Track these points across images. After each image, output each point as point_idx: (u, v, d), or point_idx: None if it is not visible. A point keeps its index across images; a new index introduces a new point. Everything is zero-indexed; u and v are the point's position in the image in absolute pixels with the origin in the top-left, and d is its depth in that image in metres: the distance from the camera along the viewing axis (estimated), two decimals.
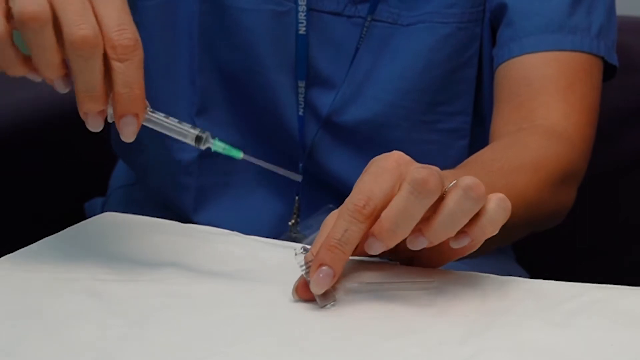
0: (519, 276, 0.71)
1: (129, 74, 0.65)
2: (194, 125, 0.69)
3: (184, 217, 1.07)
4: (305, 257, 0.66)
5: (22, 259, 0.72)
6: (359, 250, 0.68)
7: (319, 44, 0.98)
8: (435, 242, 0.65)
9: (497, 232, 0.66)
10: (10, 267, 0.70)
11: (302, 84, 0.99)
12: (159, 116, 0.69)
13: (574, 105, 0.94)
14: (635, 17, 1.26)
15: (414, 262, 0.70)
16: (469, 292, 0.67)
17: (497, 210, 0.65)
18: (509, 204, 0.65)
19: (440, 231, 0.64)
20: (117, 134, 1.11)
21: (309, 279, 0.65)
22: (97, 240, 0.76)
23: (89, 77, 0.65)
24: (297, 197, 1.01)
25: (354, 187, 0.65)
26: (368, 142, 0.99)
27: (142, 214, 0.84)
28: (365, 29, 0.97)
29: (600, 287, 0.68)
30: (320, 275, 0.64)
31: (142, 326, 0.62)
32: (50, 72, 0.66)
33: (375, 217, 0.64)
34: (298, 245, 0.74)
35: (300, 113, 0.99)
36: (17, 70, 0.68)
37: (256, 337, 0.61)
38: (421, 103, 0.99)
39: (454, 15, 0.97)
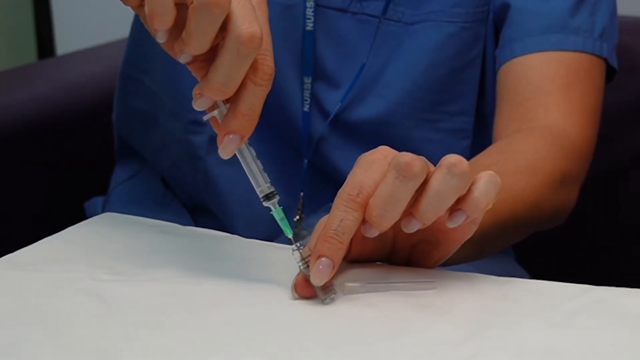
0: (520, 276, 0.71)
1: (259, 99, 0.65)
2: (271, 184, 0.69)
3: (191, 204, 1.07)
4: (302, 253, 0.66)
5: (22, 259, 0.72)
6: (354, 251, 0.68)
7: (325, 40, 0.98)
8: (427, 223, 0.66)
9: (490, 205, 0.67)
10: (11, 267, 0.70)
11: (308, 80, 0.99)
12: (251, 153, 0.68)
13: (575, 105, 0.94)
14: (635, 17, 1.26)
15: (415, 259, 0.71)
16: (469, 292, 0.67)
17: (487, 185, 0.66)
18: (499, 179, 0.67)
19: (429, 211, 0.65)
20: (124, 120, 1.12)
21: (308, 273, 0.65)
22: (97, 240, 0.76)
23: (233, 74, 0.63)
24: (301, 194, 1.02)
25: (346, 180, 0.66)
26: (372, 139, 0.99)
27: (143, 209, 0.84)
28: (378, 29, 0.97)
29: (601, 287, 0.68)
30: (320, 266, 0.64)
31: (142, 326, 0.62)
32: (194, 50, 0.64)
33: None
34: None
35: (306, 109, 0.99)
36: (161, 23, 0.64)
37: (256, 337, 0.61)
38: (424, 102, 0.99)
39: (459, 15, 0.97)
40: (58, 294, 0.66)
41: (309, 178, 1.01)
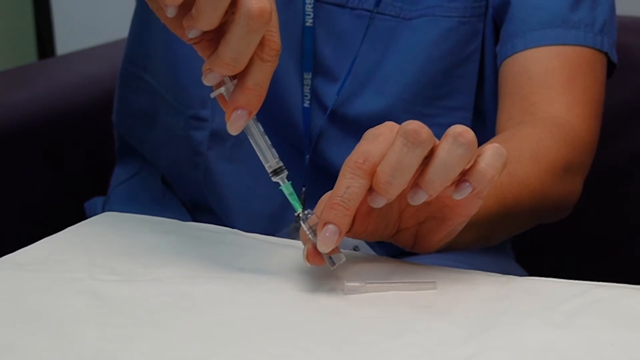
0: (519, 276, 0.71)
1: (266, 74, 0.66)
2: (279, 159, 0.70)
3: (191, 202, 1.07)
4: (309, 221, 0.67)
5: (22, 259, 0.72)
6: (357, 227, 0.68)
7: (324, 36, 0.99)
8: (434, 194, 0.66)
9: (497, 177, 0.67)
10: (10, 267, 0.70)
11: (308, 75, 0.99)
12: (259, 129, 0.69)
13: (577, 98, 0.94)
14: (635, 17, 1.26)
15: (421, 237, 0.71)
16: (469, 292, 0.67)
17: (493, 156, 0.67)
18: (504, 151, 0.68)
19: (436, 181, 0.65)
20: (125, 117, 1.12)
21: (316, 240, 0.65)
22: (97, 240, 0.76)
23: (243, 48, 0.64)
24: (303, 189, 1.02)
25: (353, 150, 0.67)
26: None
27: (143, 209, 0.84)
28: (370, 23, 0.98)
29: (601, 286, 0.68)
30: (327, 233, 0.65)
31: (142, 326, 0.62)
32: (204, 26, 0.65)
33: (374, 174, 0.66)
34: (300, 243, 0.75)
35: (306, 104, 1.00)
36: None
37: (256, 337, 0.61)
38: (422, 97, 0.99)
39: (456, 9, 0.97)
40: (58, 294, 0.66)
41: (310, 173, 1.01)
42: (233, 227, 0.81)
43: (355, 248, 0.96)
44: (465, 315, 0.64)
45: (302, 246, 0.75)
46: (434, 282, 0.68)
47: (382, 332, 0.62)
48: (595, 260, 1.29)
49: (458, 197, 0.67)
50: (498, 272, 0.71)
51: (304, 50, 0.98)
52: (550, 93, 0.94)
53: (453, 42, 0.98)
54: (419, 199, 0.66)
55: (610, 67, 1.00)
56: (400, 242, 0.73)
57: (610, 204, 1.27)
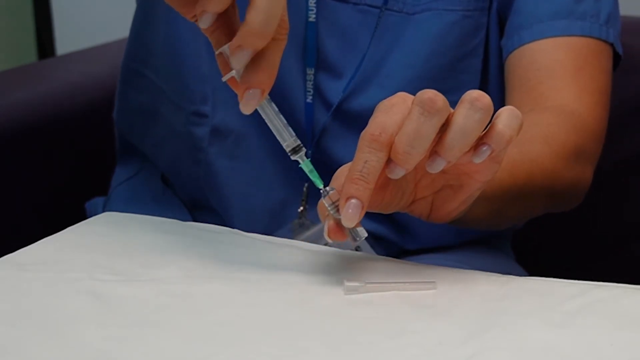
0: (519, 276, 0.71)
1: (277, 53, 0.66)
2: (296, 137, 0.70)
3: (191, 201, 1.07)
4: (330, 197, 0.67)
5: (22, 259, 0.72)
6: (373, 199, 0.68)
7: (327, 31, 0.99)
8: (453, 160, 0.66)
9: (514, 138, 0.67)
10: (11, 267, 0.70)
11: (310, 71, 0.99)
12: (273, 108, 0.69)
13: (585, 87, 0.95)
14: (636, 17, 1.26)
15: (437, 206, 0.71)
16: (469, 292, 0.67)
17: (510, 117, 0.67)
18: (519, 113, 0.68)
19: (455, 147, 0.66)
20: (125, 114, 1.12)
21: (339, 217, 0.65)
22: (97, 240, 0.76)
23: (272, 10, 0.64)
24: (306, 185, 1.02)
25: (368, 123, 0.67)
26: None
27: (143, 208, 0.84)
28: (379, 19, 0.98)
29: (601, 286, 0.68)
30: (350, 209, 0.65)
31: (141, 326, 0.62)
32: (216, 7, 0.65)
33: (392, 145, 0.66)
34: (299, 243, 0.75)
35: (309, 100, 1.00)
36: None
37: (256, 338, 0.61)
38: None
39: (460, 3, 0.98)
40: (58, 294, 0.66)
41: None
42: (233, 224, 0.81)
43: (357, 248, 0.96)
44: (465, 315, 0.64)
45: (302, 246, 0.75)
46: (434, 282, 0.68)
47: (382, 332, 0.62)
48: (595, 260, 1.29)
49: (477, 160, 0.67)
50: (498, 272, 0.71)
51: (306, 45, 0.99)
52: (558, 83, 0.95)
53: (457, 36, 0.98)
54: (438, 166, 0.66)
55: (616, 59, 1.00)
56: (415, 212, 0.73)
57: (610, 204, 1.27)
